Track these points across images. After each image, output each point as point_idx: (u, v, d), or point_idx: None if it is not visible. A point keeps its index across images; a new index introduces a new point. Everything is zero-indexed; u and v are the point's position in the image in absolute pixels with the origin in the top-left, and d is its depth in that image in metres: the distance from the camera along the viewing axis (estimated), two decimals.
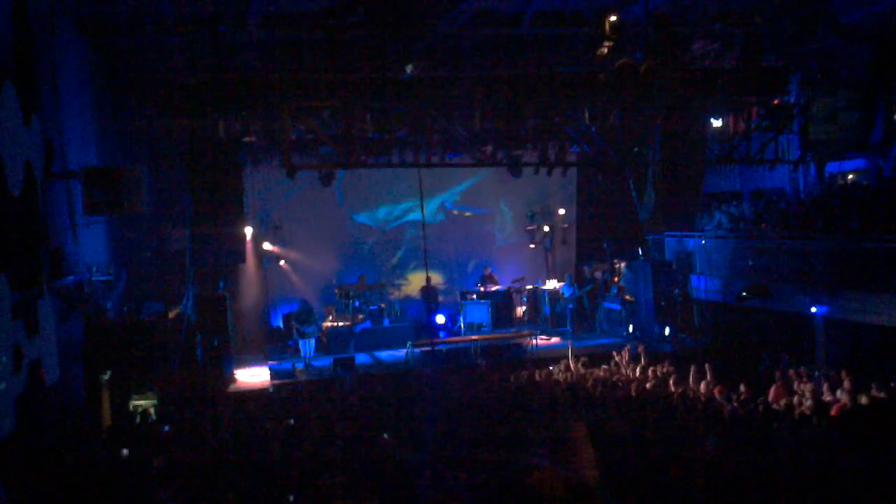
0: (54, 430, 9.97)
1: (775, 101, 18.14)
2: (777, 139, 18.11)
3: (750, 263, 18.10)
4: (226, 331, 17.37)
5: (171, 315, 15.58)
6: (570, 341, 16.95)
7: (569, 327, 20.82)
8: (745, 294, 17.44)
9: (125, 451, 9.78)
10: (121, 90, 16.67)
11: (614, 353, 16.28)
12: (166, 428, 11.82)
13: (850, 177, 20.45)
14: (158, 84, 15.93)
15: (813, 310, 16.07)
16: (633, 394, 12.50)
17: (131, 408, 13.68)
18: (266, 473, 8.86)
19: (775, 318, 17.37)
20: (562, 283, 21.74)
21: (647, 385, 13.34)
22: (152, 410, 13.53)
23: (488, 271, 22.81)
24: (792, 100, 18.56)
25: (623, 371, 15.13)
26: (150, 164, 14.16)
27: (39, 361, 8.96)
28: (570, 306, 21.22)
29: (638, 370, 14.71)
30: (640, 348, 16.30)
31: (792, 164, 18.76)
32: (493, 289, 22.18)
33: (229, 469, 9.15)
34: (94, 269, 13.23)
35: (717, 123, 18.65)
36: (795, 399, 12.06)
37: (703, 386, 13.07)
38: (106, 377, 12.96)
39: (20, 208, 8.54)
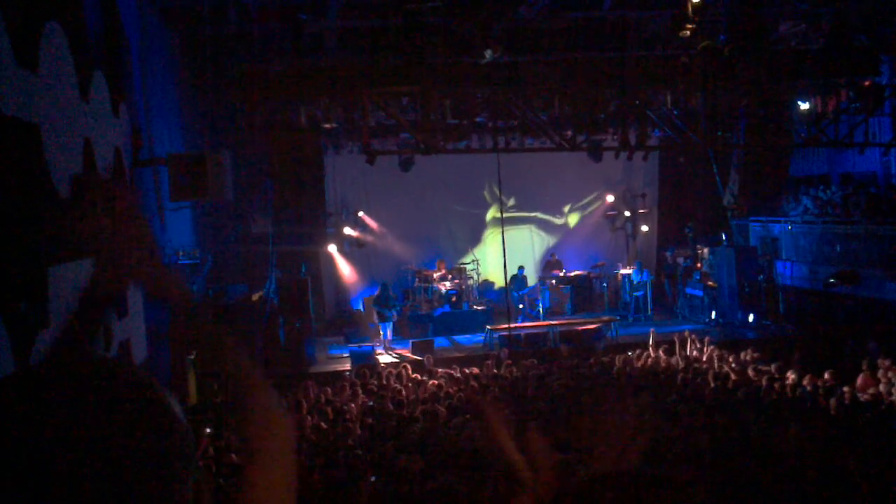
0: None
1: (866, 83, 17.61)
2: (867, 121, 17.60)
3: (838, 249, 17.63)
4: (307, 314, 17.63)
5: (255, 298, 15.90)
6: (652, 329, 16.72)
7: (633, 314, 20.55)
8: (832, 281, 17.01)
9: (208, 430, 10.04)
10: (204, 79, 17.02)
11: (687, 335, 15.95)
12: None
13: None
14: (241, 72, 16.23)
15: None
16: (712, 381, 12.31)
17: (216, 387, 14.01)
18: (347, 454, 9.01)
19: (864, 306, 16.89)
20: (632, 269, 21.39)
21: (728, 372, 13.10)
22: None
23: (555, 258, 22.68)
24: (884, 81, 18.00)
25: (704, 358, 14.89)
26: (233, 151, 14.43)
27: (128, 342, 9.24)
28: (640, 293, 20.88)
29: (716, 358, 14.42)
30: (706, 339, 15.88)
31: (883, 148, 18.21)
32: (573, 274, 22.03)
33: (311, 449, 9.33)
34: (181, 253, 13.58)
35: (804, 106, 18.21)
36: (883, 388, 11.74)
37: (788, 374, 12.80)
38: (191, 357, 13.29)
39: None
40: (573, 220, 23.66)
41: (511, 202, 22.12)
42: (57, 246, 6.62)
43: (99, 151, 8.25)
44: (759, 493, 7.13)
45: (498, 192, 17.84)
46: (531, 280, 22.03)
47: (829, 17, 16.51)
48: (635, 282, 20.94)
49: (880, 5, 16.65)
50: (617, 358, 15.24)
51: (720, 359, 14.24)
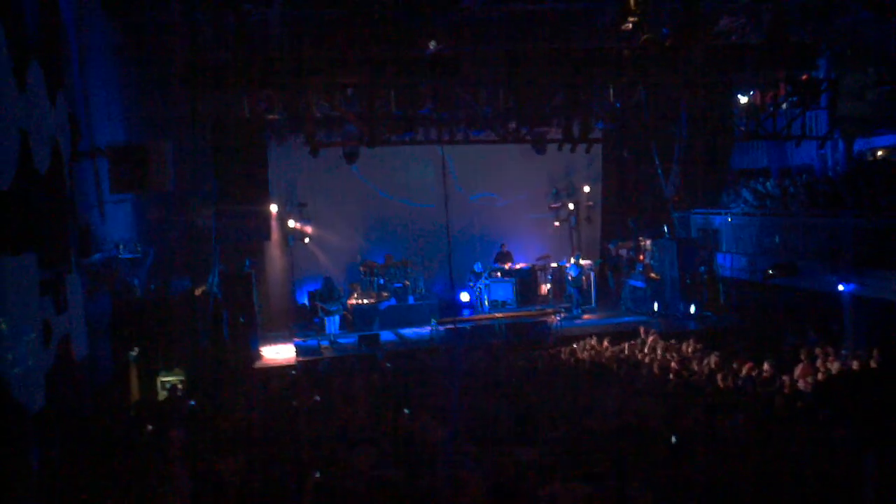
0: (83, 406, 10.09)
1: (803, 77, 17.93)
2: (805, 115, 17.93)
3: (776, 241, 17.95)
4: (252, 308, 17.48)
5: (198, 292, 15.70)
6: (601, 327, 16.93)
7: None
8: (771, 272, 17.31)
9: (150, 427, 9.88)
10: (146, 68, 16.72)
11: (642, 330, 16.20)
12: (192, 403, 11.94)
13: (880, 153, 20.20)
14: (184, 62, 15.95)
15: (840, 288, 15.92)
16: (657, 372, 12.46)
17: (159, 383, 13.82)
18: (291, 450, 8.92)
19: (802, 297, 17.21)
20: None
21: (672, 364, 13.28)
22: (180, 386, 13.66)
23: (505, 248, 22.73)
24: (821, 75, 18.35)
25: (646, 349, 15.07)
26: (176, 142, 14.19)
27: (68, 337, 9.05)
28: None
29: (658, 349, 14.61)
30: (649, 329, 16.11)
31: (819, 141, 18.57)
32: (518, 266, 22.09)
33: (255, 445, 9.22)
34: (122, 247, 13.37)
35: (744, 99, 18.49)
36: (821, 377, 11.98)
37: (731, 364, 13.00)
38: (134, 353, 13.09)
39: (47, 186, 8.61)
40: (518, 212, 23.69)
41: (456, 194, 22.04)
42: None
43: (35, 143, 8.05)
44: (703, 481, 7.23)
45: (443, 184, 17.82)
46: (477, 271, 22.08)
47: (768, 12, 16.76)
48: (573, 275, 20.95)
49: (818, 1, 16.97)
50: (562, 350, 15.39)
51: (664, 349, 14.41)
